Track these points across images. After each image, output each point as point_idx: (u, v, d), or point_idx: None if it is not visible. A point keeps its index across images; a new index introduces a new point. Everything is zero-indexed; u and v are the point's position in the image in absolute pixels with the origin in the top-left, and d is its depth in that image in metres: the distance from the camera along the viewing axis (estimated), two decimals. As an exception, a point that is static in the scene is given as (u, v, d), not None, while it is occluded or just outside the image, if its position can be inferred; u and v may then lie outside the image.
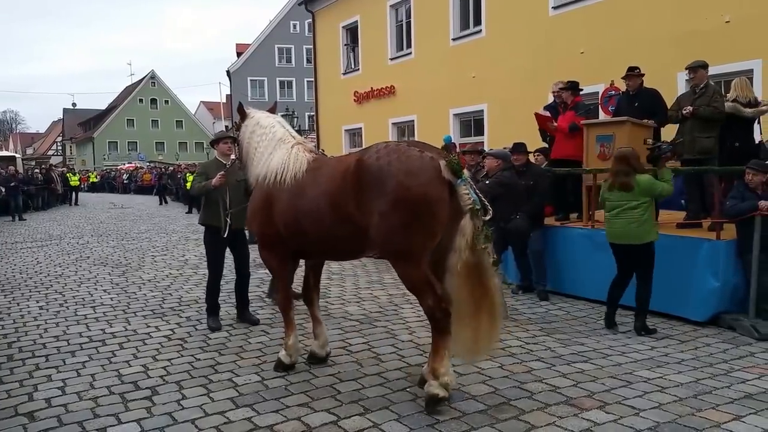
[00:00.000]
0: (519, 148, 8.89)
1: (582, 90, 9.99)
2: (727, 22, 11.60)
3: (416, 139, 20.14)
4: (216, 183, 6.82)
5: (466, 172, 4.66)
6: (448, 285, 4.63)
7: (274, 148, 5.59)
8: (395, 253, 4.75)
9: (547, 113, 10.18)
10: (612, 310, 6.94)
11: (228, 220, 6.97)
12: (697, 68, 8.22)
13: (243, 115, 6.10)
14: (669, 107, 8.49)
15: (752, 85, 8.98)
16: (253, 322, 7.31)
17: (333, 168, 5.12)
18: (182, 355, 6.11)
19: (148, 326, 7.24)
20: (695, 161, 8.03)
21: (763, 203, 6.76)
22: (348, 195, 4.78)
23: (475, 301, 4.61)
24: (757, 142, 8.59)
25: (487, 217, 4.62)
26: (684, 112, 8.07)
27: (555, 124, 9.64)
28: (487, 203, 4.66)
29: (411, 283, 4.77)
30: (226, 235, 7.00)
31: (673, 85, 12.01)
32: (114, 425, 4.50)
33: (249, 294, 7.62)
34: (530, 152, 9.28)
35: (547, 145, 10.42)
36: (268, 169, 5.51)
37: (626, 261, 6.77)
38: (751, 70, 10.96)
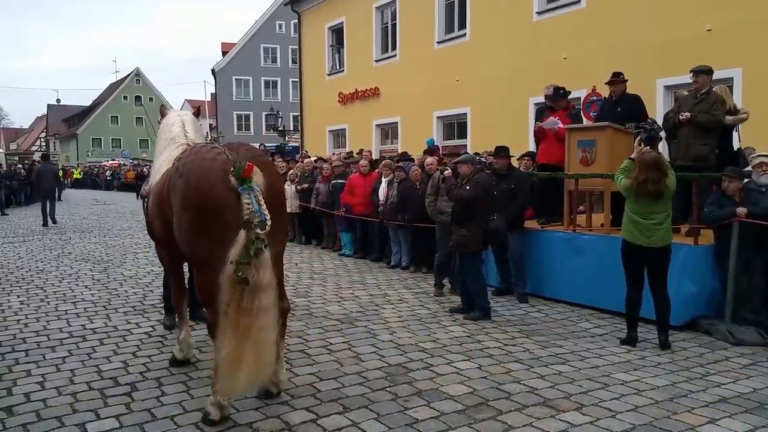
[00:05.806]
0: (501, 152, 8.88)
1: (564, 93, 10.00)
2: (708, 30, 11.75)
3: (400, 141, 20.22)
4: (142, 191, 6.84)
5: (256, 179, 4.29)
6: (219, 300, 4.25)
7: (165, 148, 5.66)
8: (187, 256, 4.75)
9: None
10: (635, 328, 6.60)
11: None
12: (699, 73, 8.00)
13: (162, 117, 6.23)
14: (669, 109, 8.37)
15: (732, 94, 9.11)
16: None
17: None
18: (162, 352, 6.10)
19: (129, 322, 7.23)
20: (688, 168, 7.70)
21: (740, 210, 6.87)
22: (164, 194, 4.85)
23: (241, 328, 4.19)
24: (735, 149, 8.69)
25: (263, 231, 4.21)
26: (681, 117, 7.85)
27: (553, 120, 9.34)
28: (268, 217, 4.24)
29: (198, 290, 4.75)
30: None
31: (653, 93, 12.18)
32: (93, 420, 4.50)
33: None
34: (513, 156, 9.29)
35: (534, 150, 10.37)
36: (154, 168, 5.62)
37: (647, 267, 6.46)
38: (731, 79, 11.11)
